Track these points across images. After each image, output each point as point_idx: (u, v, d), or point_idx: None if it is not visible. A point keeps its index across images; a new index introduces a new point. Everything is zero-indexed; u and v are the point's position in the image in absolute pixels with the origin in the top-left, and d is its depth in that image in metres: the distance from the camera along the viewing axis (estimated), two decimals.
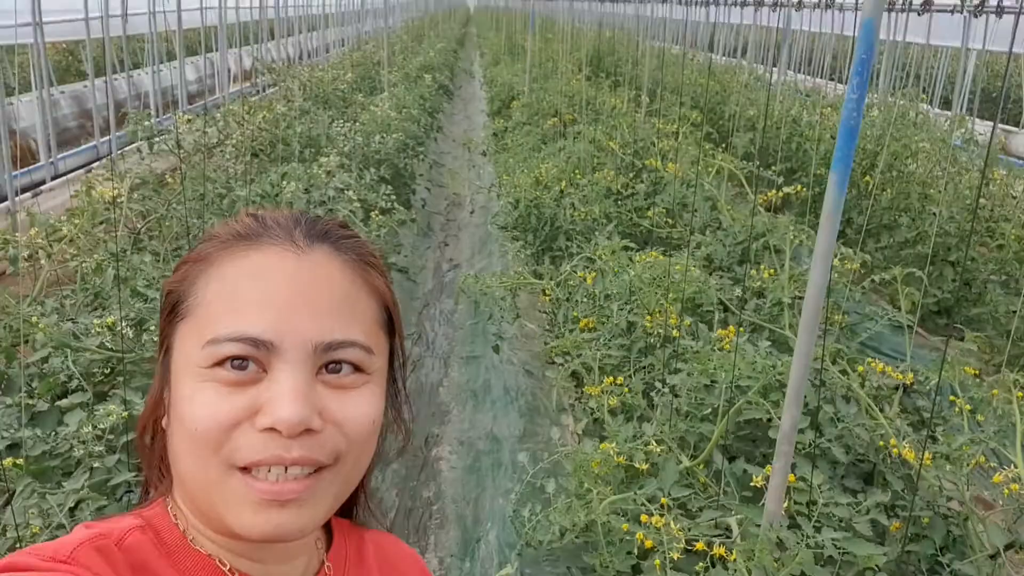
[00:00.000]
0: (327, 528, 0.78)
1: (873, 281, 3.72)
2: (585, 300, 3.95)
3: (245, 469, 0.60)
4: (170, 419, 0.65)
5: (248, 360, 0.61)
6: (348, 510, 0.81)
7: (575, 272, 4.02)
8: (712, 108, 9.35)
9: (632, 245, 3.96)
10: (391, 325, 0.71)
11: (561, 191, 5.24)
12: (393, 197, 6.19)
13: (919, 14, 6.85)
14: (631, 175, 5.93)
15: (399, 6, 29.62)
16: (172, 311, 0.66)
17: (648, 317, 3.15)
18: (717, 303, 3.40)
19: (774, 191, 4.53)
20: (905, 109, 6.86)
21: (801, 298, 3.79)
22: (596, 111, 9.56)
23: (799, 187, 4.60)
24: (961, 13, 8.08)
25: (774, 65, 12.12)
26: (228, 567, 0.66)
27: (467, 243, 8.11)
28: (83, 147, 8.50)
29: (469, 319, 5.92)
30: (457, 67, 22.03)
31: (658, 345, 3.08)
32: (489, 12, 41.67)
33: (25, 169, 6.96)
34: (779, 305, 3.77)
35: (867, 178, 6.09)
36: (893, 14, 7.71)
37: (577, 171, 5.39)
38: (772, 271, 3.70)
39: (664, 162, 6.18)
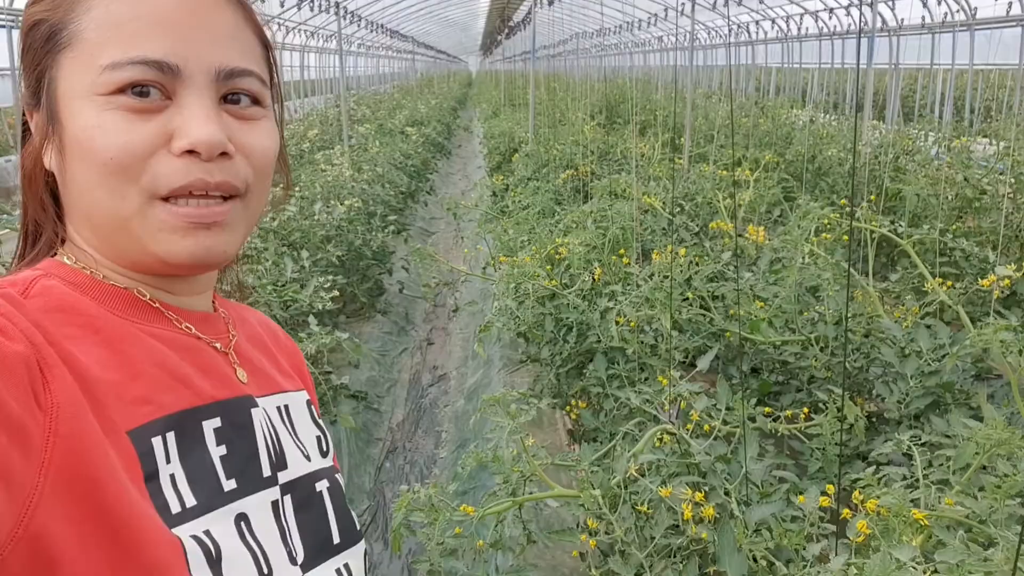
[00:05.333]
0: None
1: None
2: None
3: (166, 199, 0.59)
4: (66, 155, 0.61)
5: (150, 86, 0.58)
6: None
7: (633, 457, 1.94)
8: (771, 149, 7.38)
9: None
10: (270, 65, 0.69)
11: (595, 281, 3.19)
12: (337, 288, 4.16)
13: None
14: (693, 248, 3.87)
15: (393, 72, 28.43)
16: (48, 41, 0.61)
17: None
18: None
19: (992, 277, 2.47)
20: None
21: None
22: (618, 162, 7.61)
23: None
24: None
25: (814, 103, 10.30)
26: (148, 297, 0.65)
27: (458, 340, 6.02)
28: None
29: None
30: (456, 124, 20.45)
31: None
32: (491, 75, 40.67)
33: None
34: None
35: None
36: None
37: (620, 250, 3.34)
38: None
39: (738, 224, 4.17)
